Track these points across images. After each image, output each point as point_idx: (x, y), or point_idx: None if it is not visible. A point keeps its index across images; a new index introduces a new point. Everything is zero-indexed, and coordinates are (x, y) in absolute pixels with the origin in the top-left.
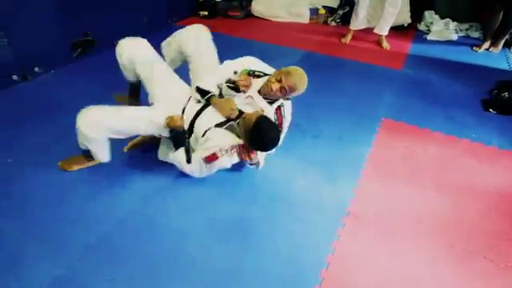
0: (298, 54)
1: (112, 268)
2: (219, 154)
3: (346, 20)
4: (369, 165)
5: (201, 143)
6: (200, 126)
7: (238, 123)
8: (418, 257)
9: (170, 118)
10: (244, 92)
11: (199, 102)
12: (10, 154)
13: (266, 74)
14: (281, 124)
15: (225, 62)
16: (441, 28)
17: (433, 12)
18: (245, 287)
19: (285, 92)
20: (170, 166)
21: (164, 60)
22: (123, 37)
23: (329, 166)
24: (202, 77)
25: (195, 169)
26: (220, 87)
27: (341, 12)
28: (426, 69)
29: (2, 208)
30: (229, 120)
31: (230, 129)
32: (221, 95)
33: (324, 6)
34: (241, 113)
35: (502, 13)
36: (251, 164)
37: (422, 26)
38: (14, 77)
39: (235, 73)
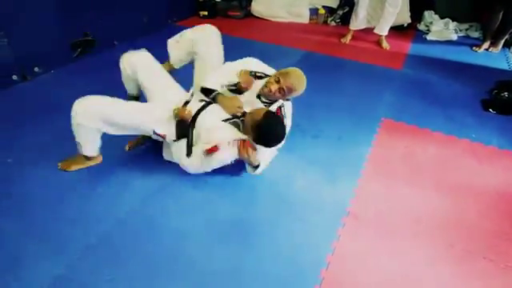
0: (297, 54)
1: (112, 268)
2: (221, 146)
3: (345, 20)
4: (369, 165)
5: (203, 137)
6: (202, 121)
7: (242, 121)
8: (418, 257)
9: (178, 109)
10: (243, 91)
11: (202, 100)
12: (10, 154)
13: (267, 76)
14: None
15: (226, 63)
16: (440, 28)
17: (432, 12)
18: (245, 287)
19: (283, 92)
20: (170, 166)
21: (169, 59)
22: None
23: (329, 165)
24: (206, 77)
25: (195, 162)
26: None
27: (340, 12)
28: (426, 69)
29: (2, 208)
30: (233, 117)
31: (234, 125)
32: None
33: (324, 6)
34: (243, 113)
35: (501, 13)
36: (250, 165)
37: (421, 26)
38: (14, 77)
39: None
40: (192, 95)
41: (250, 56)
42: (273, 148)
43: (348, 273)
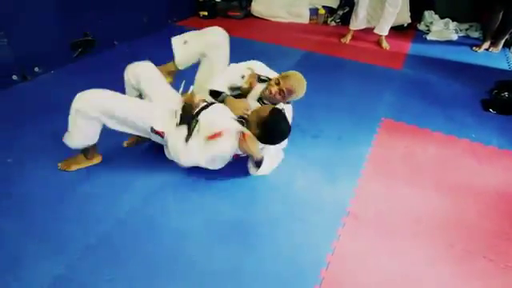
0: (297, 54)
1: (112, 268)
2: (224, 134)
3: (345, 20)
4: (369, 165)
5: (205, 131)
6: (205, 117)
7: (246, 121)
8: (418, 256)
9: (189, 95)
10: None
11: (204, 100)
12: (10, 154)
13: (269, 80)
14: None
15: (231, 65)
16: (440, 28)
17: (432, 12)
18: (245, 287)
19: (283, 94)
20: (170, 166)
21: (174, 59)
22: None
23: (329, 165)
24: (213, 79)
25: (193, 151)
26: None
27: (340, 12)
28: (426, 69)
29: (2, 208)
30: (239, 118)
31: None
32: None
33: (324, 6)
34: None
35: (501, 13)
36: (253, 159)
37: (421, 26)
38: (14, 77)
39: (242, 77)
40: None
41: (249, 56)
42: (277, 147)
43: (348, 273)
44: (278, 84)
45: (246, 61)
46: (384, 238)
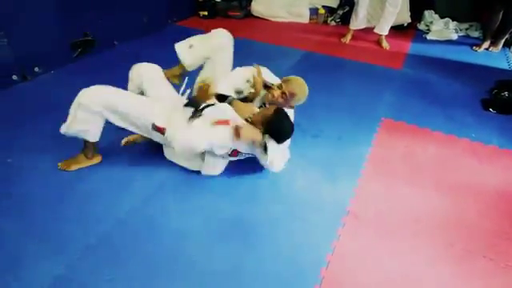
0: (297, 53)
1: (112, 268)
2: (231, 122)
3: (345, 20)
4: (369, 164)
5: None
6: (211, 111)
7: (251, 123)
8: (418, 256)
9: (207, 83)
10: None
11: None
12: (10, 154)
13: (273, 85)
14: None
15: (236, 68)
16: (440, 27)
17: (432, 11)
18: (245, 287)
19: (285, 97)
20: (170, 166)
21: (183, 63)
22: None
23: (329, 165)
24: (218, 83)
25: (194, 130)
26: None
27: (340, 12)
28: (426, 68)
29: (2, 208)
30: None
31: None
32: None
33: (324, 6)
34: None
35: (501, 12)
36: (255, 145)
37: (421, 26)
38: (14, 77)
39: (247, 81)
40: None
41: (249, 56)
42: (281, 146)
43: (348, 272)
44: (280, 88)
45: (245, 60)
46: (384, 237)
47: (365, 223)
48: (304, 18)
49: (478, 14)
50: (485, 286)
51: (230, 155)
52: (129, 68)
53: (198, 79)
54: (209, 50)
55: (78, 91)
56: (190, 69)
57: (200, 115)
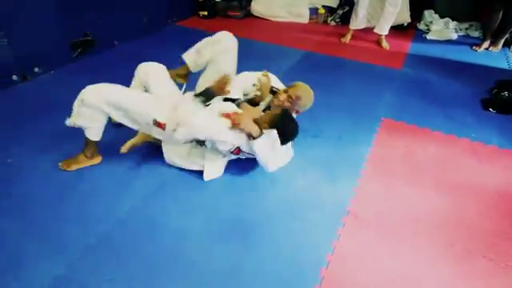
0: (297, 53)
1: (112, 268)
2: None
3: (345, 20)
4: (369, 164)
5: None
6: (219, 104)
7: (257, 123)
8: (418, 256)
9: (224, 79)
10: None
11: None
12: (10, 154)
13: (279, 90)
14: None
15: (243, 73)
16: (440, 27)
17: (432, 11)
18: (245, 287)
19: (291, 100)
20: (170, 166)
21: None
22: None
23: (329, 165)
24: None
25: (199, 117)
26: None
27: (340, 12)
28: (426, 68)
29: (2, 208)
30: None
31: None
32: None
33: (324, 6)
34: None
35: (501, 12)
36: (251, 137)
37: (421, 26)
38: (14, 77)
39: (254, 85)
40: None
41: (249, 56)
42: (283, 147)
43: (348, 272)
44: (286, 92)
45: (245, 60)
46: (384, 237)
47: (365, 223)
48: (304, 17)
49: (478, 14)
50: (485, 286)
51: (232, 152)
52: (129, 68)
53: (201, 79)
54: (213, 53)
55: (77, 91)
56: (194, 70)
57: (209, 104)
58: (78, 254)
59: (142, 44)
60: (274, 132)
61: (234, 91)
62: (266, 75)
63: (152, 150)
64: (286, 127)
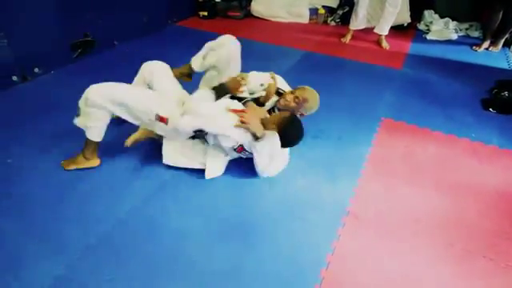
0: (297, 54)
1: (112, 268)
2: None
3: (345, 20)
4: (369, 164)
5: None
6: (225, 102)
7: (263, 124)
8: (418, 256)
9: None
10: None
11: None
12: (10, 155)
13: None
14: None
15: (251, 72)
16: (440, 27)
17: (432, 11)
18: (245, 287)
19: (298, 101)
20: (170, 166)
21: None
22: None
23: (329, 165)
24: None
25: (208, 108)
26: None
27: (340, 12)
28: (426, 68)
29: (2, 208)
30: None
31: None
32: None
33: (324, 6)
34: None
35: (501, 12)
36: (255, 137)
37: (421, 26)
38: (14, 77)
39: (261, 85)
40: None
41: (249, 56)
42: (284, 150)
43: (348, 272)
44: (293, 93)
45: (245, 60)
46: (384, 237)
47: (365, 223)
48: (304, 18)
49: (478, 14)
50: (485, 286)
51: (235, 150)
52: (129, 68)
53: (202, 82)
54: (217, 57)
55: (78, 91)
56: (198, 70)
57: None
58: (78, 253)
59: (142, 44)
60: (277, 137)
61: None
62: (273, 76)
63: (152, 150)
64: (294, 130)
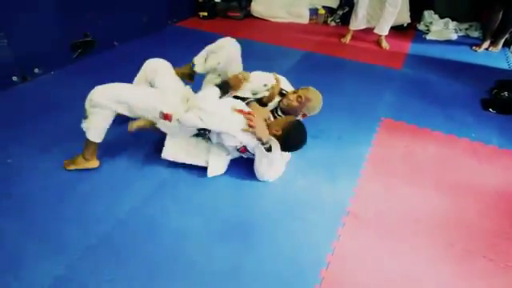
0: (297, 54)
1: (112, 268)
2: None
3: (345, 20)
4: (368, 164)
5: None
6: (231, 102)
7: (267, 125)
8: (418, 256)
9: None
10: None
11: None
12: (10, 155)
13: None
14: None
15: (255, 72)
16: (440, 28)
17: (432, 12)
18: (245, 287)
19: (300, 100)
20: (170, 166)
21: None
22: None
23: (329, 165)
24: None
25: (214, 105)
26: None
27: (340, 12)
28: (426, 68)
29: (2, 208)
30: None
31: None
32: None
33: (324, 6)
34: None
35: (501, 12)
36: (260, 141)
37: (421, 26)
38: (14, 78)
39: (265, 85)
40: None
41: (249, 56)
42: (283, 157)
43: (348, 272)
44: (296, 92)
45: (245, 60)
46: (384, 237)
47: (365, 223)
48: (304, 18)
49: (478, 14)
50: (485, 286)
51: (238, 150)
52: (129, 68)
53: (205, 82)
54: (218, 61)
55: (77, 92)
56: (199, 73)
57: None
58: (78, 254)
59: (142, 44)
60: (278, 147)
61: (244, 90)
62: (276, 77)
63: (152, 151)
64: (297, 136)
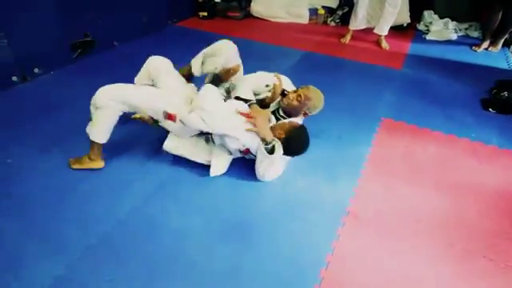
0: (297, 54)
1: (112, 268)
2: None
3: (345, 20)
4: (368, 164)
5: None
6: (234, 104)
7: (271, 128)
8: (418, 256)
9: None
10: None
11: None
12: (10, 155)
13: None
14: None
15: (258, 72)
16: (440, 28)
17: (432, 12)
18: (245, 287)
19: (300, 99)
20: (170, 166)
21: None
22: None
23: (329, 165)
24: (238, 87)
25: (216, 106)
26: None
27: (340, 12)
28: (426, 68)
29: (2, 208)
30: None
31: None
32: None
33: (323, 7)
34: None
35: (501, 12)
36: (263, 141)
37: (421, 26)
38: (14, 78)
39: (267, 86)
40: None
41: (249, 56)
42: (283, 160)
43: (348, 272)
44: (296, 92)
45: (245, 60)
46: (384, 237)
47: (365, 223)
48: (304, 18)
49: (478, 14)
50: (485, 286)
51: (241, 152)
52: (129, 68)
53: (206, 80)
54: (216, 65)
55: (77, 92)
56: (197, 75)
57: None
58: (78, 254)
59: (141, 44)
60: (281, 149)
61: (246, 92)
62: (278, 77)
63: (152, 151)
64: (300, 140)
